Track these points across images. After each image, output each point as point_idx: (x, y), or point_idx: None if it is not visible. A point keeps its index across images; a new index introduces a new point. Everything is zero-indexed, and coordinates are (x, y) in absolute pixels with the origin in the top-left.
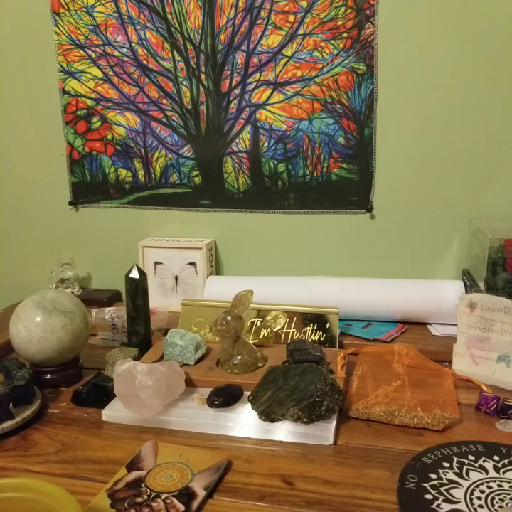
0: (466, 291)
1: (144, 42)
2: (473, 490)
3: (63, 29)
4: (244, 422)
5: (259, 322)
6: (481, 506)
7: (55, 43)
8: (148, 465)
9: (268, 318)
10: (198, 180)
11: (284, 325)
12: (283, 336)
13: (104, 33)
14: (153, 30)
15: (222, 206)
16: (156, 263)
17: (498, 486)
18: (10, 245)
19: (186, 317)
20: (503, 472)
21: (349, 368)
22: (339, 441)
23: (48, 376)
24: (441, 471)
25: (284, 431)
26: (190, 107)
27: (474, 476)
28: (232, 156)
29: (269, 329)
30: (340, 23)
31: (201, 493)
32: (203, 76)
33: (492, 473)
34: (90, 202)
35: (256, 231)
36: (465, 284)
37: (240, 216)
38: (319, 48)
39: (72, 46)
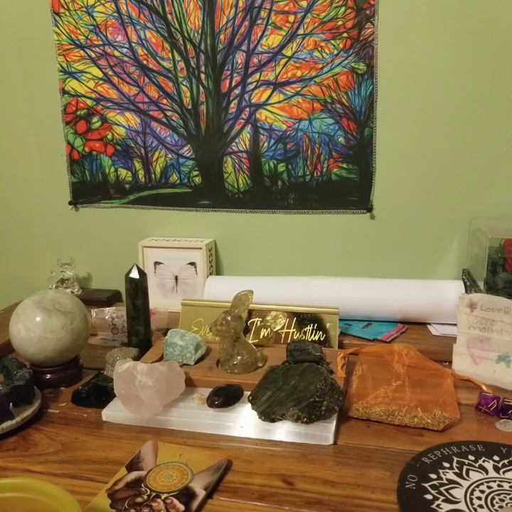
0: (466, 291)
1: (144, 42)
2: (473, 490)
3: (63, 29)
4: (244, 422)
5: (259, 322)
6: (481, 506)
7: (55, 43)
8: (148, 465)
9: (268, 318)
10: (198, 180)
11: (284, 325)
12: (283, 336)
13: (104, 33)
14: (153, 30)
15: (222, 206)
16: (156, 263)
17: (498, 486)
18: (10, 245)
19: (186, 317)
20: (503, 472)
21: (349, 367)
22: (339, 441)
23: (48, 376)
24: (441, 471)
25: (284, 431)
26: (190, 107)
27: (474, 476)
28: (232, 156)
29: (269, 329)
30: (340, 23)
31: (201, 493)
32: (203, 76)
33: (492, 473)
34: (90, 202)
35: (256, 231)
36: (465, 284)
37: (239, 216)
38: (319, 48)
39: (72, 46)
